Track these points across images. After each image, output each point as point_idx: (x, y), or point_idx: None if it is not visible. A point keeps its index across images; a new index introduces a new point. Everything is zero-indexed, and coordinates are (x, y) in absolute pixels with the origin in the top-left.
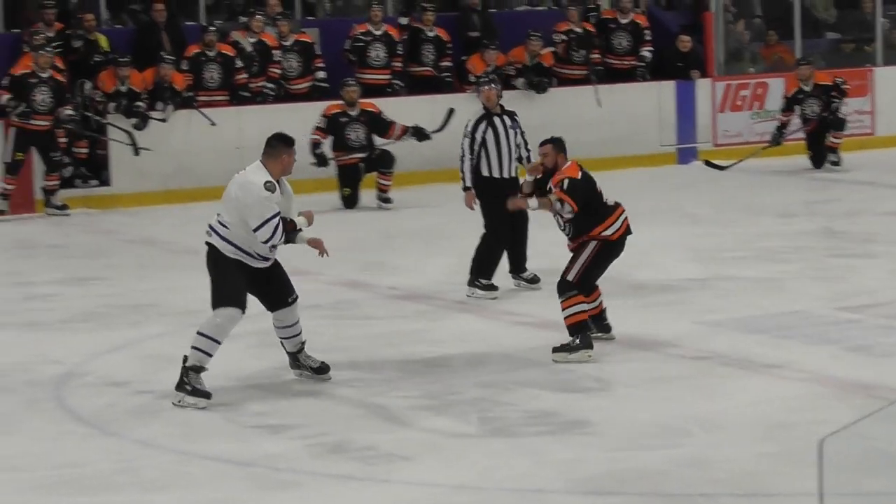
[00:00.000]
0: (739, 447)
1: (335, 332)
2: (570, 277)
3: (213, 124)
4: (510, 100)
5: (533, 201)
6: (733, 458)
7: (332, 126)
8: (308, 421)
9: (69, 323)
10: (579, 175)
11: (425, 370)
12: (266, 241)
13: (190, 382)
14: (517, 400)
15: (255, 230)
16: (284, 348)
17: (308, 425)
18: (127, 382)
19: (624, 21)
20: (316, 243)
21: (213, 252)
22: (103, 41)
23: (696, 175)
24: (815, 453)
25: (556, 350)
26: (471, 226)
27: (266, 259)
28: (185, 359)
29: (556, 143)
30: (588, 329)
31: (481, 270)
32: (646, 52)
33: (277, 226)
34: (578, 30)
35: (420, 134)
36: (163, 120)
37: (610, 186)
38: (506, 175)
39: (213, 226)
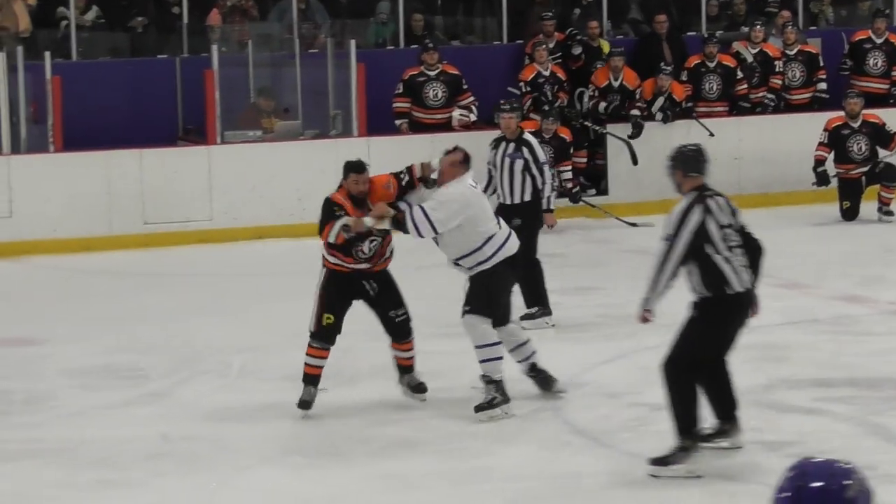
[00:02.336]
0: None
1: (834, 347)
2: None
3: (712, 135)
4: None
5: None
6: None
7: (834, 139)
8: (804, 438)
9: (567, 332)
10: None
11: None
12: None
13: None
14: None
15: None
16: None
17: (804, 442)
18: (622, 394)
19: None
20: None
21: None
22: (606, 47)
23: None
24: None
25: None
26: None
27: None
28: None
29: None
30: None
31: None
32: None
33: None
34: None
35: None
36: (663, 120)
37: None
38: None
39: None
